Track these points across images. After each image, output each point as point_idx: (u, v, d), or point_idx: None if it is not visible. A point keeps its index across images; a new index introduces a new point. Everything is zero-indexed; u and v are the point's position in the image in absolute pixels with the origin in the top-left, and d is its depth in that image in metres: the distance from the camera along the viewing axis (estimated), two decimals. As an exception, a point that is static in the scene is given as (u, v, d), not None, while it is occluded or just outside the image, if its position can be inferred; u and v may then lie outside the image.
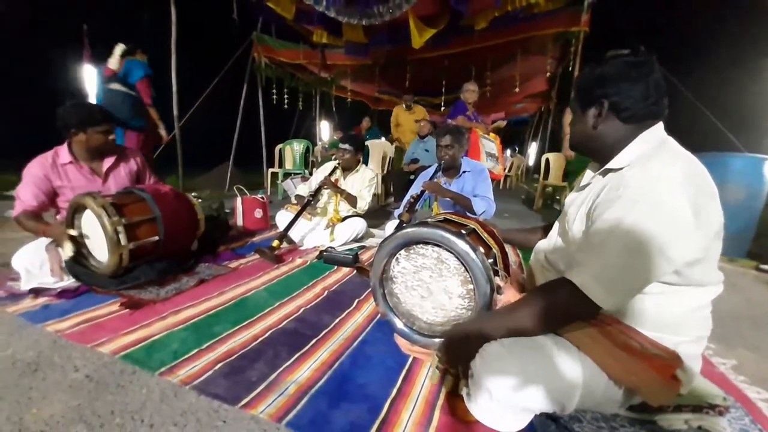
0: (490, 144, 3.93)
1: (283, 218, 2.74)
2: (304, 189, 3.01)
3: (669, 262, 0.77)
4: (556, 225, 1.15)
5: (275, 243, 2.36)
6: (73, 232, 1.69)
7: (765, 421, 1.02)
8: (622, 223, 0.78)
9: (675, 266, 0.79)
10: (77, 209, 1.71)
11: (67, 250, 1.67)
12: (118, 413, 0.95)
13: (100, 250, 1.70)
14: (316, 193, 2.66)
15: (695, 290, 0.85)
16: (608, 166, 0.93)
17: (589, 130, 0.96)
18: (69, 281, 1.72)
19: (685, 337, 0.86)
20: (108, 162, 1.94)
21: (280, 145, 5.87)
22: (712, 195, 0.81)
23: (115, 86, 3.28)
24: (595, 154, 1.00)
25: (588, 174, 1.06)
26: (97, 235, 1.66)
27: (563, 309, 0.86)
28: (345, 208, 2.85)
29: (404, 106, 5.45)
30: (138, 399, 1.01)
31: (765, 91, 4.78)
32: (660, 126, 0.91)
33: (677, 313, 0.86)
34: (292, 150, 5.75)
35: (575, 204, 1.00)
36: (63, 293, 1.64)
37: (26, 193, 1.73)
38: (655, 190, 0.77)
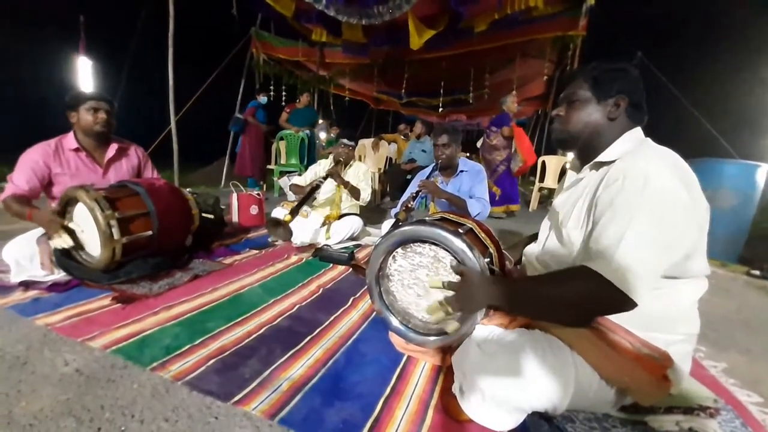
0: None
1: (278, 215, 2.71)
2: (300, 180, 2.98)
3: (680, 247, 0.79)
4: (545, 227, 1.11)
5: (287, 217, 2.22)
6: (67, 223, 1.67)
7: (755, 423, 1.04)
8: (633, 213, 0.77)
9: (685, 250, 0.80)
10: (69, 202, 1.68)
11: (60, 242, 1.63)
12: (108, 408, 0.94)
13: (92, 244, 1.68)
14: (324, 179, 2.59)
15: (685, 284, 0.86)
16: (599, 159, 0.94)
17: (602, 120, 0.96)
18: (60, 275, 1.70)
19: (676, 336, 0.86)
20: (110, 152, 1.93)
21: (274, 141, 5.82)
22: (694, 180, 0.83)
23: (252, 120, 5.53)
24: (586, 147, 0.99)
25: (571, 174, 1.06)
26: (89, 228, 1.64)
27: (595, 300, 0.80)
28: (346, 204, 2.85)
29: (402, 136, 5.89)
30: (129, 394, 1.00)
31: (759, 98, 4.85)
32: (639, 128, 0.97)
33: (668, 310, 0.86)
34: (288, 144, 5.70)
35: (569, 202, 0.99)
36: (54, 286, 1.62)
37: (19, 177, 1.70)
38: (657, 176, 0.78)
